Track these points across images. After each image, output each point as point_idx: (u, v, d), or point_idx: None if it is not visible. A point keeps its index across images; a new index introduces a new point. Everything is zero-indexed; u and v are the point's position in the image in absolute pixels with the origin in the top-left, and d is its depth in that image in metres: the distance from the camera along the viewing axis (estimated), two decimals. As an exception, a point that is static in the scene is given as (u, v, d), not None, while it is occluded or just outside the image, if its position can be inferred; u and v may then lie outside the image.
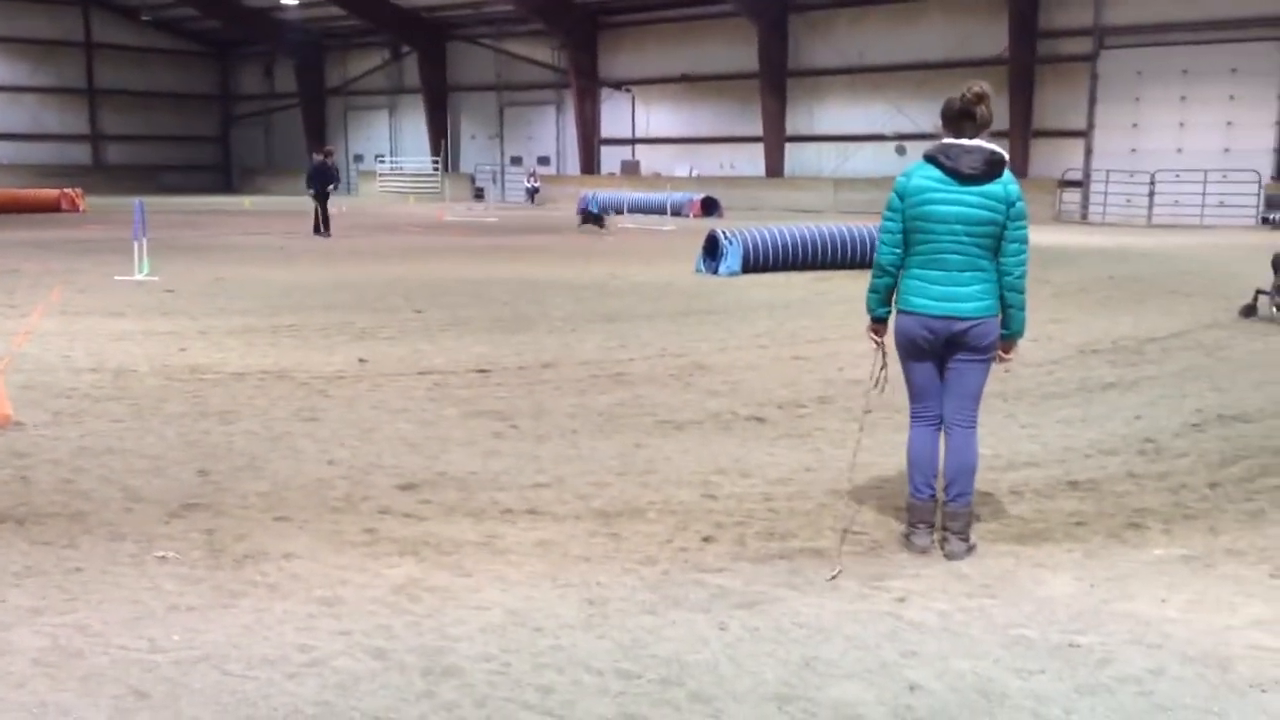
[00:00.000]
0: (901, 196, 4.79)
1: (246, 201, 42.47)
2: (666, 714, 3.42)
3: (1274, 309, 12.11)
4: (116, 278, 15.61)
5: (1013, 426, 7.20)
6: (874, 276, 4.97)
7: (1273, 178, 32.13)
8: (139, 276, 15.58)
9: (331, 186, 25.22)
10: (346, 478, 5.98)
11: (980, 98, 4.69)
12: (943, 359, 4.87)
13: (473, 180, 50.79)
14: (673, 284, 15.88)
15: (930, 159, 4.77)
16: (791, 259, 17.33)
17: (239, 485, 5.81)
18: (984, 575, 4.59)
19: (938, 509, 4.97)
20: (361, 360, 9.47)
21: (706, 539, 5.02)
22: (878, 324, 5.05)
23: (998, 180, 4.70)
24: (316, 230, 24.60)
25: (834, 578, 4.57)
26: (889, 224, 4.86)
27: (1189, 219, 31.92)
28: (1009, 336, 4.91)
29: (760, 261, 17.06)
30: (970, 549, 4.85)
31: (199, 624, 4.04)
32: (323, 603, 4.25)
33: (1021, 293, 4.83)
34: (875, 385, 5.19)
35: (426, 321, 11.88)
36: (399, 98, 55.20)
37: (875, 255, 4.97)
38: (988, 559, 4.79)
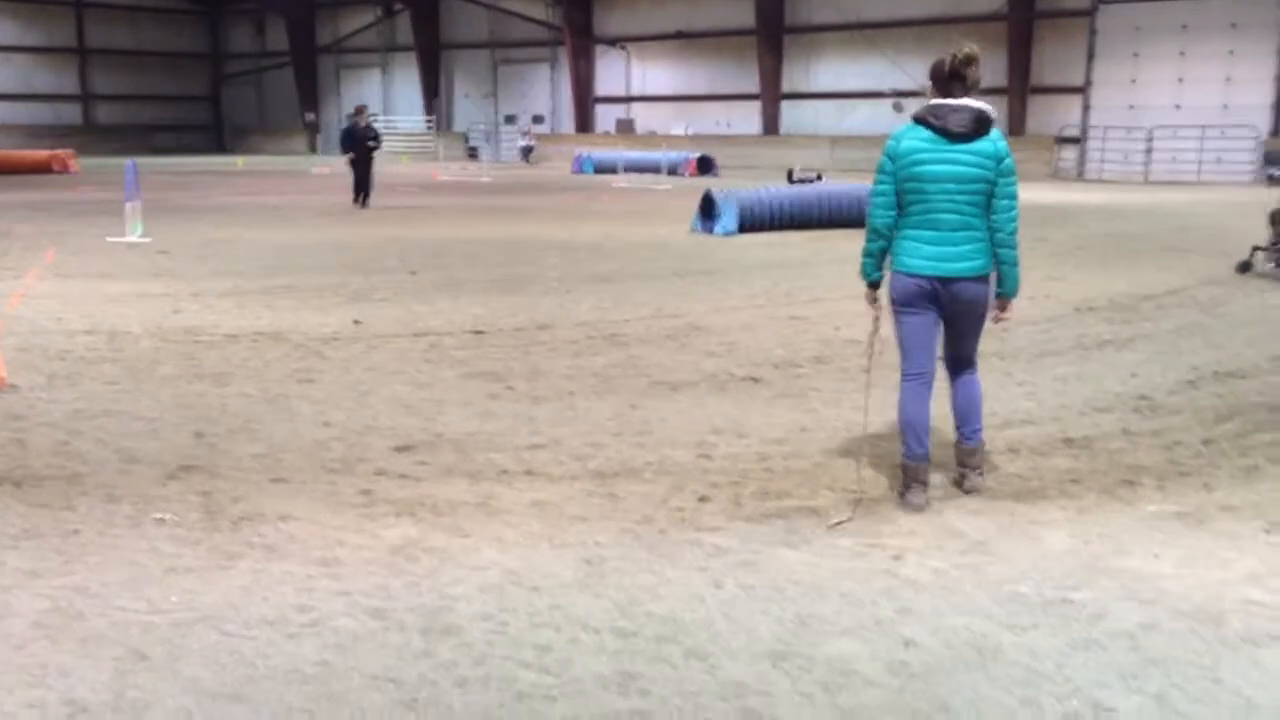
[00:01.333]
0: (892, 159, 4.84)
1: (239, 161, 42.22)
2: (662, 671, 3.45)
3: (1271, 265, 12.10)
4: (109, 239, 15.53)
5: (1009, 384, 7.21)
6: (868, 240, 5.00)
7: (1271, 133, 32.00)
8: (131, 238, 15.50)
9: (373, 145, 21.88)
10: (342, 439, 5.99)
11: (970, 59, 4.76)
12: (937, 317, 4.93)
13: (466, 139, 50.50)
14: (668, 244, 15.84)
15: (919, 120, 4.82)
16: (788, 218, 17.26)
17: (235, 447, 5.81)
18: (979, 532, 4.62)
19: (930, 466, 5.05)
20: (356, 322, 9.45)
21: (702, 499, 5.04)
22: (873, 288, 5.06)
23: (986, 138, 4.77)
24: (356, 199, 21.69)
25: (839, 525, 4.67)
26: (881, 186, 4.89)
27: (1186, 175, 31.84)
28: (1003, 295, 4.97)
29: (757, 221, 17.00)
30: (984, 483, 5.10)
31: (197, 585, 4.05)
32: (321, 563, 4.27)
33: (1014, 249, 4.89)
34: (871, 351, 5.16)
35: (421, 282, 11.84)
36: (391, 56, 54.71)
37: (868, 219, 4.98)
38: (983, 516, 4.81)
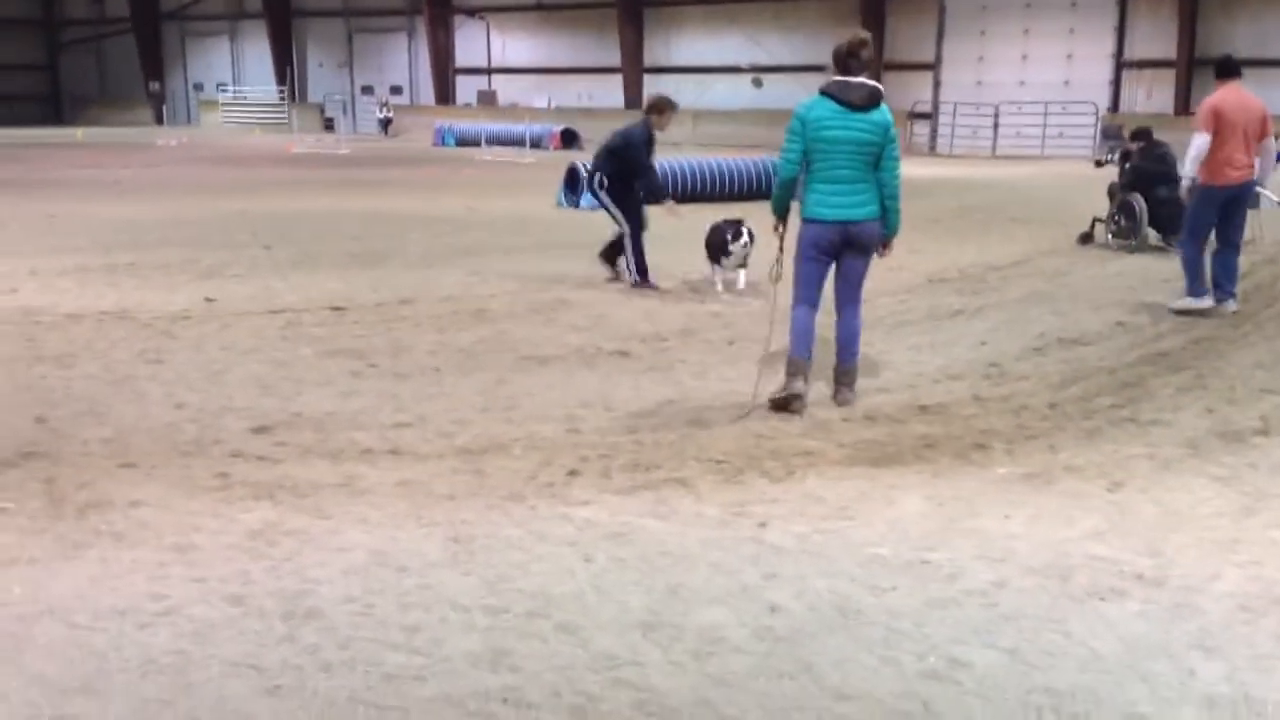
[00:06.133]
0: (803, 124, 5.90)
1: (78, 133, 40.08)
2: (534, 646, 3.43)
3: (1109, 236, 12.71)
4: (-65, 215, 14.60)
5: (867, 354, 7.38)
6: (776, 188, 6.12)
7: (1109, 109, 33.57)
8: (-39, 213, 14.59)
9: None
10: (196, 421, 5.77)
11: (863, 43, 5.87)
12: (835, 257, 6.08)
13: (322, 110, 48.99)
14: (533, 218, 15.72)
15: (825, 93, 5.91)
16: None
17: (80, 432, 5.54)
18: (840, 498, 4.73)
19: (811, 365, 6.14)
20: (208, 299, 9.10)
21: (572, 473, 5.03)
22: (780, 220, 6.14)
23: (877, 109, 5.89)
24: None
25: (742, 418, 5.79)
26: (791, 144, 5.95)
27: (1031, 150, 33.14)
28: (888, 235, 6.18)
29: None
30: (855, 396, 6.16)
31: (42, 576, 3.86)
32: (175, 550, 4.11)
33: (897, 199, 6.07)
34: (773, 274, 6.23)
35: (276, 258, 11.48)
36: (240, 23, 52.71)
37: (779, 172, 6.09)
38: (844, 482, 4.94)
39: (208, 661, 3.31)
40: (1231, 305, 8.74)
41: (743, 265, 9.18)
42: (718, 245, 9.26)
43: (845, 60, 5.88)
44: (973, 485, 4.94)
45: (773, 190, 6.21)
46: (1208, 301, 8.70)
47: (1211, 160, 8.42)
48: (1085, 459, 5.31)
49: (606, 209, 9.88)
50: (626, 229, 9.76)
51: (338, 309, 8.80)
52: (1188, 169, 8.57)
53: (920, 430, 5.76)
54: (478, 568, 3.99)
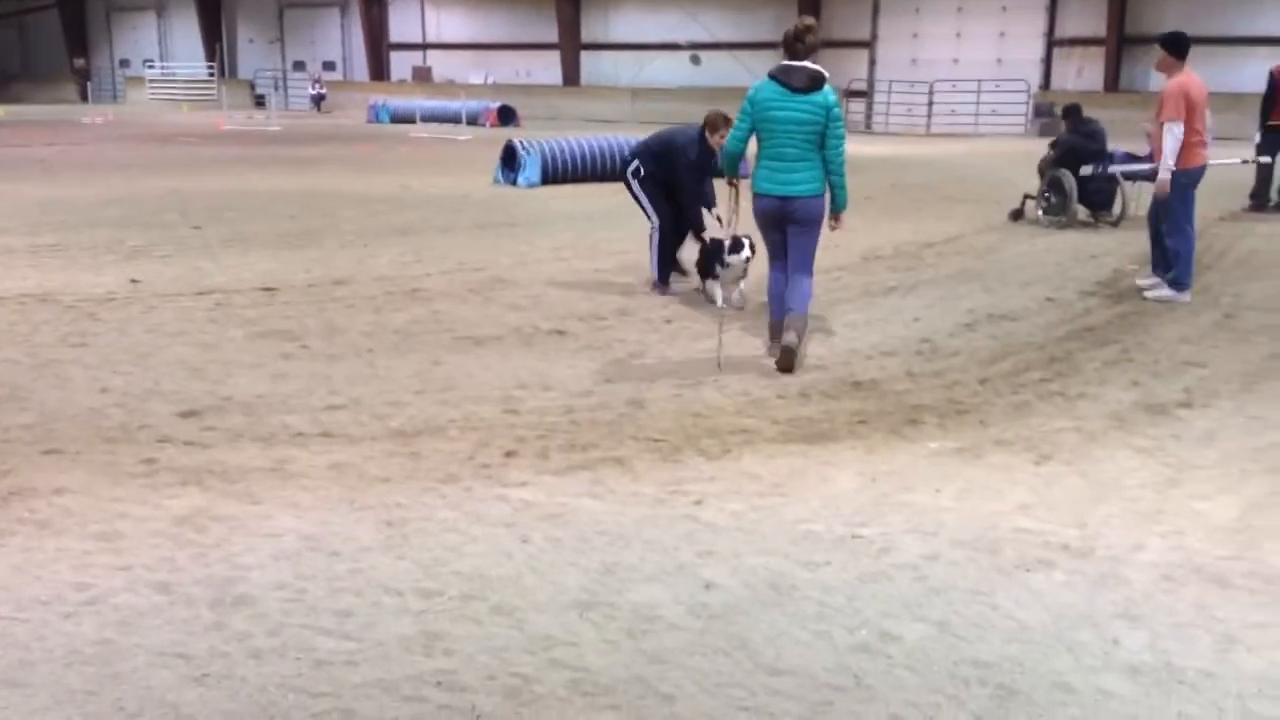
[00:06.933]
0: (752, 104, 6.40)
1: (1, 111, 38.90)
2: (469, 629, 3.42)
3: (1040, 213, 12.91)
4: None
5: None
6: (725, 158, 6.75)
7: (1041, 87, 34.04)
8: (-126, 193, 14.10)
9: None
10: (121, 406, 5.65)
11: (808, 29, 6.36)
12: (785, 228, 6.53)
13: (253, 87, 48.05)
14: (470, 196, 15.58)
15: (772, 76, 6.38)
16: (591, 170, 17.24)
17: (1, 418, 5.39)
18: (774, 475, 4.77)
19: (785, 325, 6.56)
20: (134, 280, 8.90)
21: (509, 454, 5.01)
22: (730, 179, 6.78)
23: (819, 92, 6.31)
24: None
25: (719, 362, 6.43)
26: (740, 122, 6.49)
27: (964, 127, 33.51)
28: (837, 210, 6.58)
29: (560, 173, 16.91)
30: (798, 341, 6.49)
31: (-40, 569, 3.76)
32: (100, 538, 4.03)
33: (842, 175, 6.44)
34: (727, 223, 7.01)
35: (206, 238, 11.25)
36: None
37: (726, 144, 6.71)
38: (778, 459, 4.97)
39: (134, 651, 3.25)
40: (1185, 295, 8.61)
41: (742, 277, 8.00)
42: (713, 256, 8.06)
43: (792, 44, 6.34)
44: (905, 460, 5.00)
45: (724, 162, 6.85)
46: (1187, 296, 8.55)
47: (1183, 145, 8.26)
48: (1014, 433, 5.40)
49: (635, 199, 8.79)
50: (655, 222, 8.67)
51: (269, 290, 8.66)
52: (1170, 162, 8.27)
53: (854, 406, 5.82)
54: (412, 551, 3.96)
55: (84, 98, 51.47)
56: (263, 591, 3.64)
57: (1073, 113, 12.95)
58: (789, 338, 6.47)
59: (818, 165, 6.37)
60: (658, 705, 3.04)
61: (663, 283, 8.79)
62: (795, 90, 6.28)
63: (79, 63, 52.94)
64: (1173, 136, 8.24)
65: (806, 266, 6.62)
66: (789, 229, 6.53)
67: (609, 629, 3.44)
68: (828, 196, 6.52)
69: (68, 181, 16.75)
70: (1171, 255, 8.63)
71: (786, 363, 6.39)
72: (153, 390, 5.93)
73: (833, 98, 6.36)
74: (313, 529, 4.14)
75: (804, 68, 6.31)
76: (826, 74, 6.39)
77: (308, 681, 3.11)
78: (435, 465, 4.85)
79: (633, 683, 3.14)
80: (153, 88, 48.84)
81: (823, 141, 6.34)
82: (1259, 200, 14.11)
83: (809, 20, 6.48)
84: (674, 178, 8.51)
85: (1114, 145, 12.72)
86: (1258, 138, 14.11)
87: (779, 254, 6.70)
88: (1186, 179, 8.44)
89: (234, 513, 4.27)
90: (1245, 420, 5.63)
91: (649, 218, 8.77)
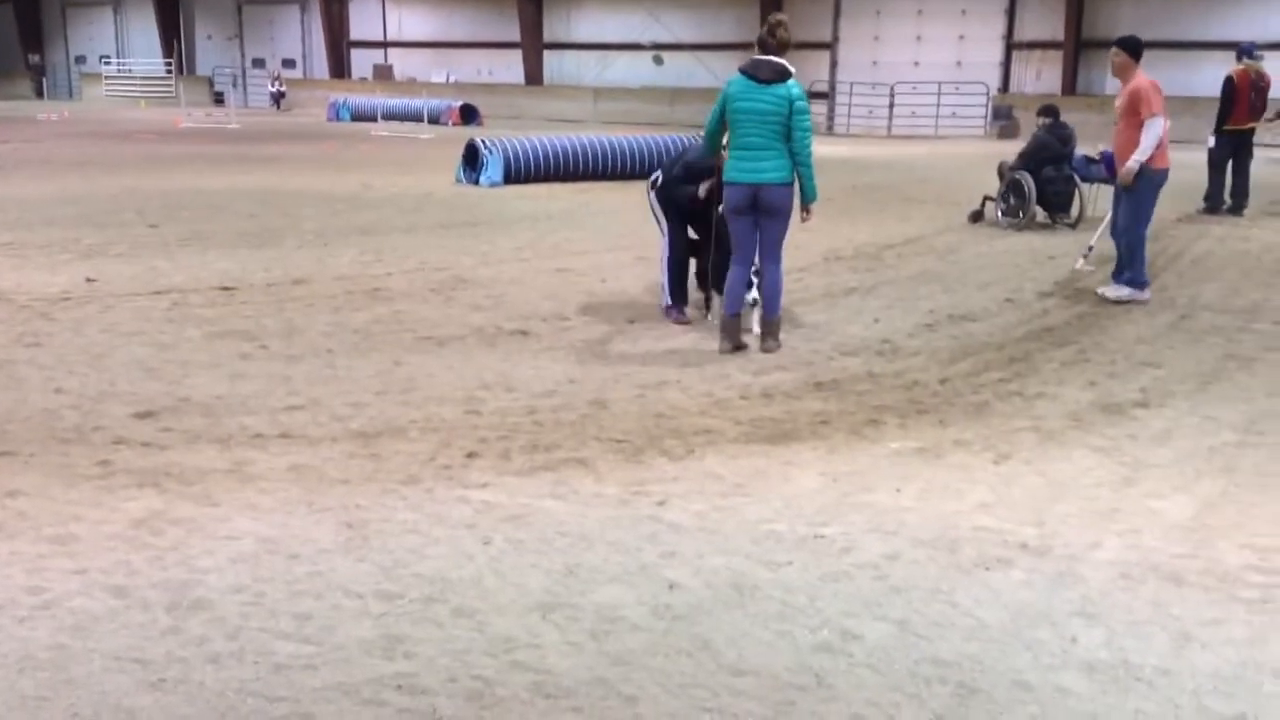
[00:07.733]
0: (725, 97, 6.73)
1: (-50, 106, 38.24)
2: (430, 631, 3.40)
3: (999, 214, 13.03)
4: None
5: (765, 331, 7.46)
6: (704, 141, 7.11)
7: (1000, 90, 34.36)
8: None
9: None
10: (76, 407, 5.56)
11: (779, 24, 6.66)
12: (754, 218, 6.74)
13: (211, 84, 47.48)
14: (431, 195, 15.49)
15: (742, 70, 6.69)
16: (554, 170, 17.20)
17: (-49, 420, 5.30)
18: (737, 475, 4.78)
19: (740, 323, 6.92)
20: (90, 280, 8.77)
21: (470, 455, 4.98)
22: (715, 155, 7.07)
23: (784, 84, 6.57)
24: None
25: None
26: (714, 112, 6.81)
27: (925, 129, 33.74)
28: (806, 202, 6.86)
29: (522, 172, 16.86)
30: (779, 345, 6.92)
31: (-92, 574, 3.68)
32: (54, 541, 3.96)
33: (809, 166, 6.70)
34: (713, 188, 7.23)
35: (163, 236, 11.11)
36: (124, -7, 50.81)
37: (705, 131, 7.00)
38: (741, 459, 4.98)
39: (89, 655, 3.20)
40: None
41: (755, 304, 7.17)
42: (721, 269, 7.31)
43: (764, 40, 6.68)
44: (866, 460, 5.03)
45: (704, 145, 7.26)
46: (1147, 295, 8.61)
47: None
48: (973, 433, 5.44)
49: (650, 208, 8.06)
50: (665, 236, 7.88)
51: (227, 289, 8.56)
52: (1145, 156, 8.27)
53: (816, 407, 5.84)
54: (372, 553, 3.93)
55: (39, 94, 50.70)
56: (220, 595, 3.59)
57: (1051, 112, 13.04)
58: (769, 344, 6.90)
59: (784, 155, 6.64)
60: (620, 707, 3.03)
61: (674, 302, 7.80)
62: (761, 82, 6.58)
63: (33, 59, 52.15)
64: (1154, 131, 8.28)
65: (776, 256, 6.89)
66: (760, 218, 6.75)
67: (571, 631, 3.43)
68: (797, 188, 6.76)
69: (22, 179, 16.48)
70: (1125, 255, 8.72)
71: (727, 350, 6.84)
72: (108, 391, 5.84)
73: (796, 90, 6.60)
74: (271, 531, 4.09)
75: (771, 61, 6.61)
76: (793, 69, 6.64)
77: (266, 686, 3.08)
78: (396, 466, 4.82)
79: (595, 684, 3.13)
80: (109, 84, 48.18)
81: (789, 134, 6.59)
82: (1213, 203, 14.34)
83: (780, 17, 6.82)
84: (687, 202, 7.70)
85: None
86: (1211, 141, 14.37)
87: (742, 245, 6.88)
88: (1161, 178, 8.53)
89: (191, 515, 4.22)
90: (1200, 420, 5.71)
91: (660, 229, 8.02)
